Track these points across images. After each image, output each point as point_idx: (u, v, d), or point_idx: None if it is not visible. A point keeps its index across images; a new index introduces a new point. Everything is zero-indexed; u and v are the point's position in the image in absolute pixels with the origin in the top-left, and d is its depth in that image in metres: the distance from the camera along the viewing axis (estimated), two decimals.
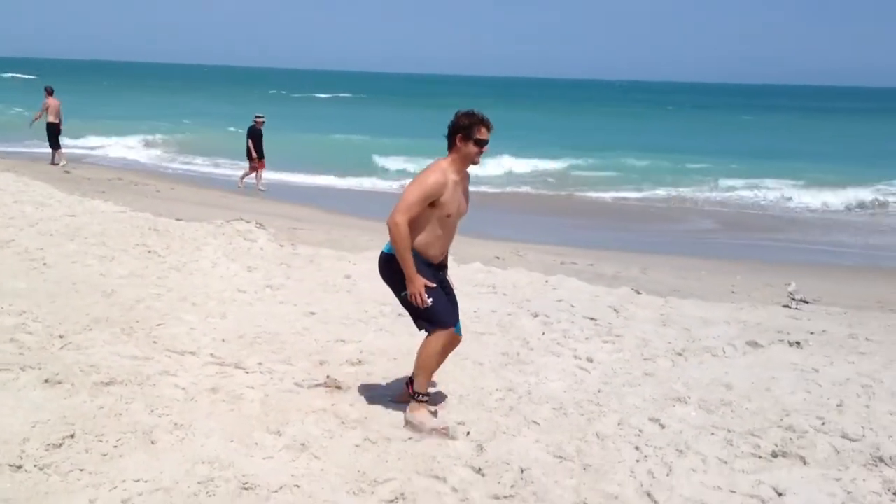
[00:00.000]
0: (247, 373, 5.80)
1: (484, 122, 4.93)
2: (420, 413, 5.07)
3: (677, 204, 23.06)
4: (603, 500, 4.21)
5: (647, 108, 77.09)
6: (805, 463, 4.81)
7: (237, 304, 7.80)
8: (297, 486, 4.09)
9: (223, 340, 6.53)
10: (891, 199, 22.75)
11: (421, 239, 4.89)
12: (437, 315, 4.98)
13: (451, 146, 4.96)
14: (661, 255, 15.14)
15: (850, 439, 5.17)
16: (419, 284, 4.86)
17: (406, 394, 5.33)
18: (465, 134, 4.90)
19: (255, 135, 20.90)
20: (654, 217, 20.99)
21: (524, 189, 24.76)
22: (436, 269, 5.07)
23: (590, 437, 5.06)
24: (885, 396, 6.06)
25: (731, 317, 8.72)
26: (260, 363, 6.00)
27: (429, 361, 5.07)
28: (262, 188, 21.15)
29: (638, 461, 4.74)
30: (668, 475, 4.55)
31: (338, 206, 19.95)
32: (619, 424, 5.31)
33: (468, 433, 5.00)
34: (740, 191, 24.55)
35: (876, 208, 22.14)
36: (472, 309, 8.13)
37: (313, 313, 7.62)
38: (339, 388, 5.62)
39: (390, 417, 5.18)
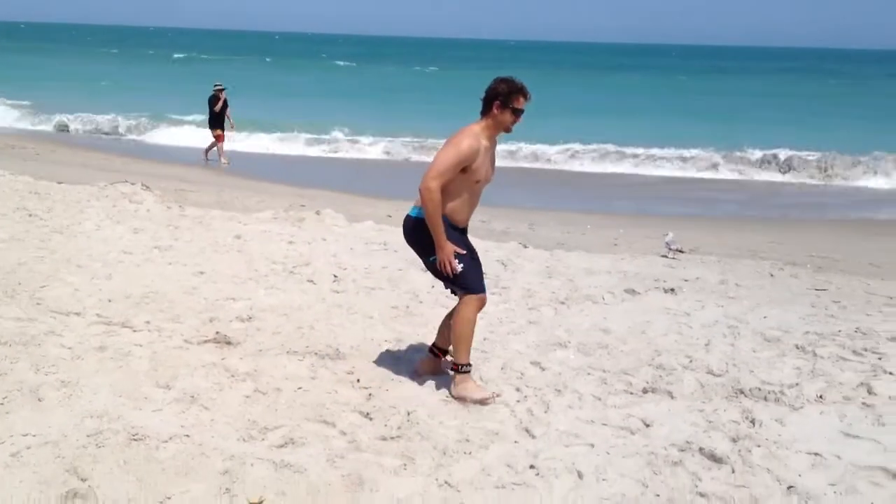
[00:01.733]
0: (134, 331, 5.78)
1: (523, 91, 4.81)
2: (468, 385, 5.01)
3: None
4: (484, 436, 4.44)
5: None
6: (672, 397, 5.15)
7: (123, 265, 7.70)
8: (188, 436, 4.16)
9: (109, 301, 6.47)
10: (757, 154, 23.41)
11: (449, 204, 4.81)
12: (468, 280, 4.93)
13: (487, 112, 4.84)
14: (549, 210, 15.56)
15: (715, 375, 5.55)
16: (449, 251, 4.81)
17: (430, 364, 5.37)
18: (504, 101, 4.78)
19: (213, 104, 19.89)
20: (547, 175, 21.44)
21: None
22: (461, 233, 5.02)
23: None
24: (749, 336, 6.50)
25: (612, 267, 9.11)
26: (148, 322, 5.99)
27: (466, 329, 5.01)
28: (224, 161, 20.10)
29: (518, 401, 4.99)
30: (545, 412, 4.82)
31: (237, 168, 19.69)
32: (501, 369, 5.56)
33: (358, 380, 5.15)
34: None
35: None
36: (364, 265, 8.27)
37: (202, 273, 7.60)
38: (228, 343, 5.67)
39: (281, 370, 5.28)
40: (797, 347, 6.18)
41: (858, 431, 4.66)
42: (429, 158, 23.03)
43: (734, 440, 4.46)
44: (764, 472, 4.13)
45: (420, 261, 5.22)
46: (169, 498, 3.62)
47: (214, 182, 16.48)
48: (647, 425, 4.67)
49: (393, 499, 3.72)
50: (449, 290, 5.23)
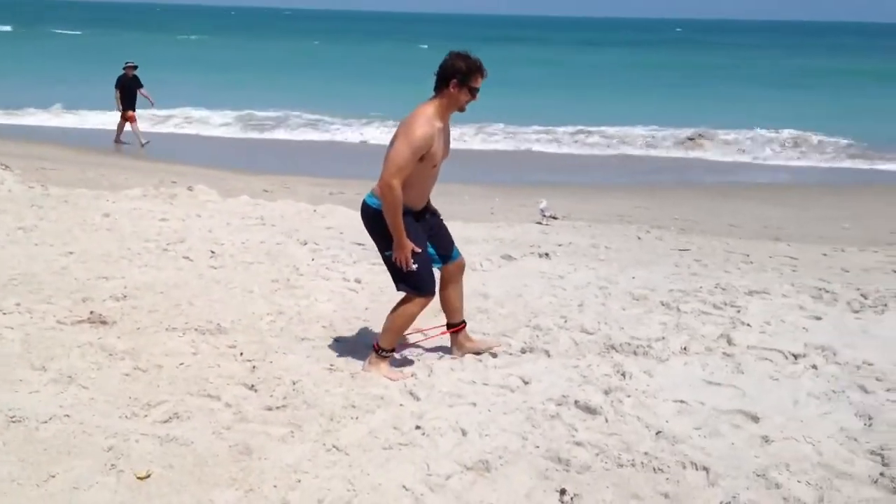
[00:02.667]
0: (4, 314, 5.57)
1: (481, 70, 4.63)
2: (381, 367, 4.96)
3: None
4: (370, 401, 4.53)
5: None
6: (549, 356, 5.38)
7: None
8: (68, 416, 4.08)
9: None
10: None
11: (408, 193, 4.65)
12: (420, 281, 4.84)
13: (441, 90, 4.65)
14: None
15: (588, 333, 5.82)
16: (408, 249, 4.70)
17: (461, 339, 5.35)
18: (461, 80, 4.59)
19: (123, 84, 18.56)
20: None
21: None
22: (417, 216, 4.89)
23: (359, 350, 5.36)
24: (619, 295, 6.81)
25: (489, 235, 9.33)
26: (18, 304, 5.77)
27: (401, 322, 4.95)
28: (143, 141, 18.77)
29: (402, 367, 5.10)
30: (429, 375, 4.95)
31: (88, 143, 18.96)
32: None
33: (241, 354, 5.14)
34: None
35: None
36: (241, 240, 8.18)
37: (71, 252, 7.35)
38: (104, 322, 5.55)
39: (160, 347, 5.21)
40: (663, 304, 6.53)
41: (719, 379, 5.01)
42: (262, 135, 22.62)
43: (606, 392, 4.71)
44: (634, 419, 4.38)
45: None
46: (53, 476, 3.55)
47: (76, 161, 15.83)
48: (526, 382, 4.87)
49: (282, 465, 3.77)
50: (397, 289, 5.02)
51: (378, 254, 4.96)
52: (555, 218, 10.79)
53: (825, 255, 9.06)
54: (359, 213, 5.02)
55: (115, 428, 4.03)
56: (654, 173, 18.03)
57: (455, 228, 9.48)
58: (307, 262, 7.53)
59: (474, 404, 4.54)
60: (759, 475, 3.83)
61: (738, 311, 6.35)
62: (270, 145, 21.11)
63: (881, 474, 3.85)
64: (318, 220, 9.71)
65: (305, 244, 8.15)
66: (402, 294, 4.94)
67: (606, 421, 4.37)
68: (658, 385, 4.89)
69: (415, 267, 4.76)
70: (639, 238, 9.84)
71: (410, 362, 5.19)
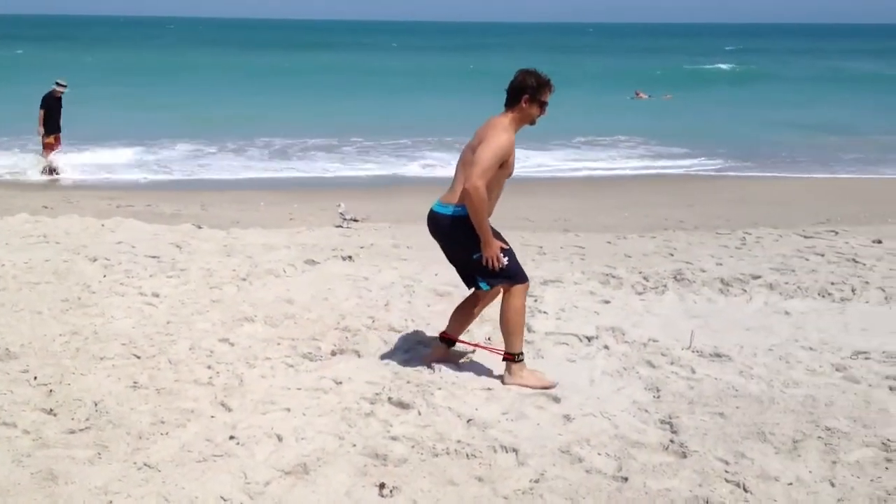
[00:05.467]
0: None
1: (549, 85, 4.85)
2: (524, 373, 4.96)
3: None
4: (179, 415, 4.41)
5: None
6: (360, 356, 5.45)
7: None
8: None
9: None
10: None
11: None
12: (513, 272, 4.92)
13: (514, 104, 4.84)
14: (220, 190, 15.36)
15: (396, 331, 5.94)
16: (496, 247, 4.80)
17: (441, 352, 5.31)
18: (533, 95, 4.80)
19: (49, 104, 16.12)
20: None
21: None
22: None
23: (163, 365, 5.19)
24: (423, 293, 6.98)
25: (290, 241, 9.25)
26: None
27: (519, 318, 4.97)
28: (56, 172, 16.38)
29: (211, 378, 4.99)
30: (239, 385, 4.88)
31: None
32: (190, 349, 5.50)
33: (35, 378, 4.84)
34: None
35: None
36: (24, 260, 7.67)
37: None
38: None
39: None
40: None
41: None
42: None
43: (418, 386, 4.83)
44: (446, 410, 4.54)
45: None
46: None
47: None
48: (339, 383, 4.92)
49: (90, 487, 3.61)
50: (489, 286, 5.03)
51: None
52: (355, 220, 10.86)
53: (609, 242, 9.67)
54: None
55: None
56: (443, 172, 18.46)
57: (254, 236, 9.44)
58: (98, 278, 7.18)
59: (288, 409, 4.53)
60: (563, 451, 4.08)
61: (536, 301, 6.69)
62: None
63: (671, 441, 4.21)
64: (107, 234, 9.26)
65: (95, 260, 7.75)
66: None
67: (419, 414, 4.49)
68: (467, 376, 5.08)
69: (506, 261, 4.86)
70: None
71: (218, 374, 5.08)
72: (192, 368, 5.14)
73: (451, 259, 5.20)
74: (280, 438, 4.16)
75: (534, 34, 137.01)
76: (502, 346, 5.11)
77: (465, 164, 4.85)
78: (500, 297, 5.10)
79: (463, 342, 5.46)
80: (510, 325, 4.98)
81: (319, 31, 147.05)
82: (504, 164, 4.80)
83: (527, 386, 4.91)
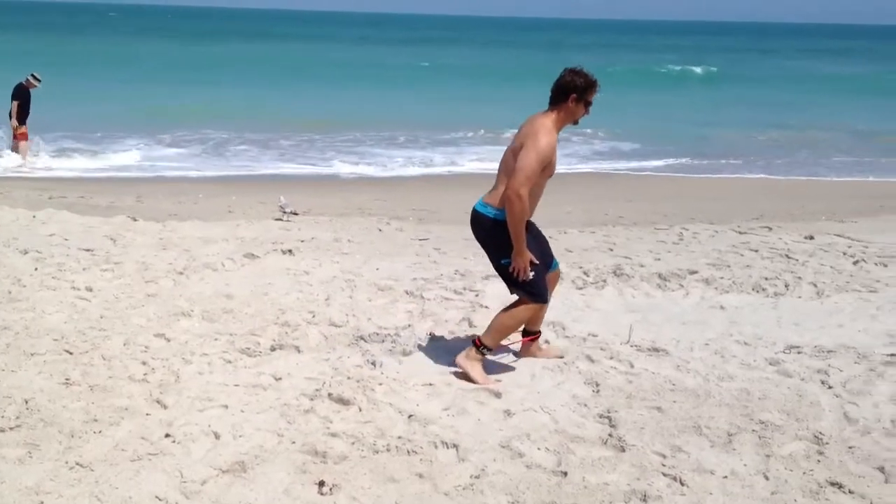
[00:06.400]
0: None
1: (595, 85, 4.79)
2: (475, 366, 4.96)
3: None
4: (114, 413, 4.30)
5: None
6: (300, 351, 5.39)
7: None
8: None
9: None
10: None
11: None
12: (535, 288, 4.90)
13: (559, 104, 4.76)
14: (156, 182, 15.09)
15: (337, 326, 5.89)
16: (527, 259, 4.77)
17: (531, 347, 5.36)
18: (580, 95, 4.74)
19: (23, 95, 15.71)
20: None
21: None
22: (528, 225, 4.88)
23: (96, 361, 5.06)
24: (364, 287, 6.94)
25: (229, 234, 9.12)
26: None
27: (510, 323, 4.99)
28: (25, 166, 15.85)
29: (146, 374, 4.89)
30: (176, 381, 4.79)
31: None
32: (124, 345, 5.38)
33: None
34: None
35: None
36: None
37: None
38: None
39: None
40: (407, 293, 6.75)
41: None
42: None
43: (359, 382, 4.80)
44: (387, 406, 4.51)
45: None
46: None
47: None
48: (278, 379, 4.85)
49: (21, 487, 3.49)
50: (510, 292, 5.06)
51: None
52: (296, 214, 10.74)
53: (551, 237, 9.64)
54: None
55: None
56: (388, 166, 18.36)
57: (191, 229, 9.28)
58: (30, 272, 6.97)
59: (226, 406, 4.45)
60: (503, 447, 4.09)
61: (477, 295, 6.70)
62: None
63: (609, 435, 4.25)
64: (39, 226, 9.01)
65: (26, 253, 7.53)
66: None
67: (360, 410, 4.46)
68: (407, 371, 5.05)
69: (531, 275, 4.82)
70: (380, 230, 10.05)
71: (154, 370, 4.97)
72: (126, 365, 5.02)
73: (490, 259, 5.13)
74: (217, 436, 4.09)
75: (493, 31, 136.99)
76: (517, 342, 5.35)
77: (507, 166, 4.80)
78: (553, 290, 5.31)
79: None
80: (501, 325, 5.01)
81: (268, 21, 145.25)
82: (546, 167, 4.78)
83: (470, 378, 4.91)
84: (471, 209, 5.01)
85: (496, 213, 4.82)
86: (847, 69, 54.27)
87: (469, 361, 4.98)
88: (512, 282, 4.92)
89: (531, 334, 5.35)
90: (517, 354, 5.43)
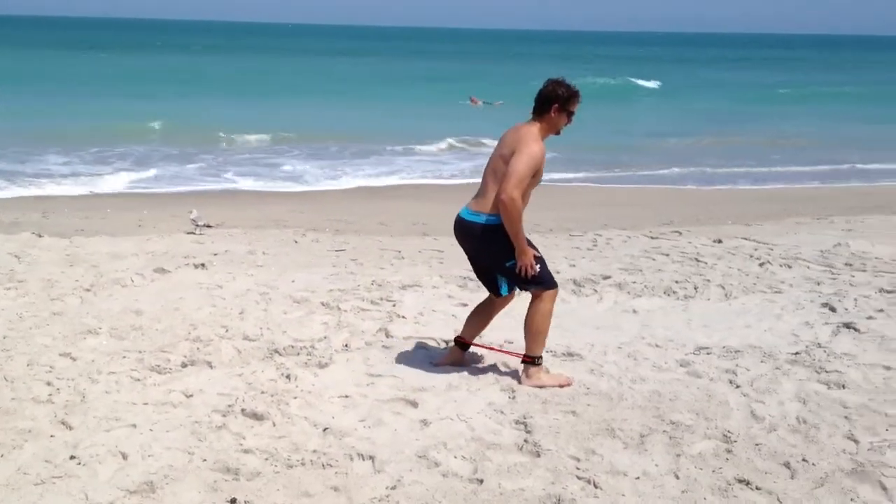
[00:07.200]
0: None
1: (577, 96, 4.91)
2: (542, 375, 5.07)
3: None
4: (16, 435, 4.14)
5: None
6: (212, 367, 5.27)
7: None
8: None
9: None
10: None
11: None
12: (544, 277, 5.00)
13: (543, 114, 4.87)
14: (63, 197, 14.66)
15: (251, 339, 5.79)
16: (530, 256, 4.86)
17: (455, 355, 5.38)
18: (562, 105, 4.84)
19: None
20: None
21: None
22: None
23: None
24: (279, 300, 6.85)
25: (139, 248, 8.91)
26: None
27: (544, 323, 5.04)
28: None
29: (51, 395, 4.72)
30: (82, 401, 4.64)
31: None
32: (28, 365, 5.19)
33: None
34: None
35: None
36: None
37: None
38: None
39: None
40: (323, 305, 6.69)
41: (380, 371, 5.25)
42: None
43: (273, 396, 4.73)
44: (302, 420, 4.46)
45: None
46: None
47: None
48: (189, 396, 4.75)
49: None
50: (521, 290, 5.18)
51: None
52: (209, 227, 10.54)
53: None
54: None
55: None
56: (301, 180, 18.16)
57: (99, 244, 9.03)
58: None
59: (134, 426, 4.33)
60: (420, 456, 4.07)
61: (394, 305, 6.68)
62: None
63: (525, 441, 4.27)
64: None
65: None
66: None
67: (274, 425, 4.39)
68: (323, 384, 5.00)
69: (538, 269, 4.92)
70: (296, 242, 9.94)
71: (59, 390, 4.81)
72: (29, 386, 4.84)
73: (477, 265, 5.25)
74: (125, 456, 3.97)
75: (423, 41, 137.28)
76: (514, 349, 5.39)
77: (495, 172, 4.86)
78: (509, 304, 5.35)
79: (478, 345, 5.52)
80: (536, 328, 5.06)
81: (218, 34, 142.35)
82: (535, 174, 4.86)
83: (546, 386, 5.01)
84: (454, 218, 5.11)
85: (488, 219, 4.89)
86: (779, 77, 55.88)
87: (535, 378, 5.06)
88: (522, 280, 4.99)
89: (464, 342, 5.41)
90: (435, 363, 5.43)
